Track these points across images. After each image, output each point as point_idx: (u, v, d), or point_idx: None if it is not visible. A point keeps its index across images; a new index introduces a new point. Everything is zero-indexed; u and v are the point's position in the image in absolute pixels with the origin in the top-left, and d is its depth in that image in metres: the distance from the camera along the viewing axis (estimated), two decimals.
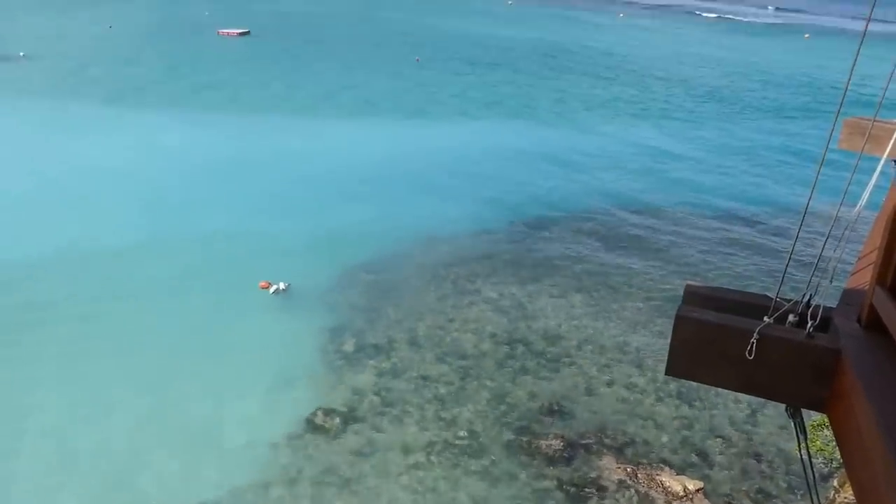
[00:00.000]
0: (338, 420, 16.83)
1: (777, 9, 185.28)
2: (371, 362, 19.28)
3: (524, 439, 16.57)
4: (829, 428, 3.58)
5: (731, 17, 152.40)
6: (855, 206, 4.38)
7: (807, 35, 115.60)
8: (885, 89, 4.51)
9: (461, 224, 29.00)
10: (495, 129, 44.25)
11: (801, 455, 4.00)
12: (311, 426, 16.64)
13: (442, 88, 56.07)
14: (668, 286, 24.44)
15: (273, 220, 28.06)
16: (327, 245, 26.18)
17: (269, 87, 52.88)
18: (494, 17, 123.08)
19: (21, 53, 59.07)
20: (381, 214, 29.46)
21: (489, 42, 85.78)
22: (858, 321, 3.65)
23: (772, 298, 3.77)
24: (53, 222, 26.68)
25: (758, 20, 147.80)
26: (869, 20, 4.99)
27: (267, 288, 22.31)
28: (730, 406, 18.24)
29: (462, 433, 16.65)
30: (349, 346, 19.96)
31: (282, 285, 22.36)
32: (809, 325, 3.50)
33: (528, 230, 29.01)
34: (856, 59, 4.49)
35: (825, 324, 3.66)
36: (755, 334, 3.47)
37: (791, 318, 3.69)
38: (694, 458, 16.40)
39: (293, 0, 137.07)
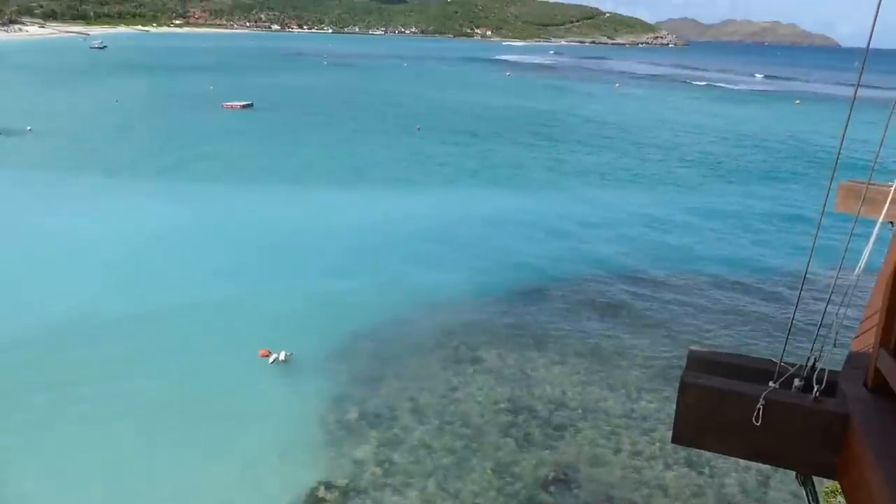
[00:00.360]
0: (339, 494, 16.39)
1: (766, 76, 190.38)
2: (373, 432, 18.92)
3: None
4: (842, 495, 3.49)
5: (721, 84, 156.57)
6: (854, 268, 4.40)
7: (797, 101, 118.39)
8: (878, 153, 4.60)
9: (461, 291, 29.00)
10: (492, 197, 44.81)
11: None
12: (313, 500, 16.18)
13: (441, 157, 57.10)
14: (670, 351, 24.22)
15: (274, 288, 28.08)
16: (328, 313, 26.11)
17: (272, 157, 53.89)
18: (493, 88, 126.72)
19: (28, 128, 60.50)
20: (382, 282, 29.49)
21: (488, 112, 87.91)
22: (865, 385, 3.61)
23: (776, 363, 3.73)
24: (52, 291, 26.69)
25: (749, 87, 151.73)
26: (858, 86, 5.14)
27: (267, 357, 22.11)
28: (740, 473, 17.77)
29: None
30: (350, 416, 19.63)
31: (282, 354, 22.17)
32: (816, 389, 3.46)
33: (527, 297, 28.96)
34: (847, 124, 4.60)
35: (831, 388, 3.61)
36: (761, 400, 3.42)
37: (797, 382, 3.65)
38: None
39: (296, 74, 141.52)
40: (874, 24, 4.42)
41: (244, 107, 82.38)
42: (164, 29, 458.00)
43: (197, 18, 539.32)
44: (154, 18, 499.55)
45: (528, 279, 30.73)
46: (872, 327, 4.14)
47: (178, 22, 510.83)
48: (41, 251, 31.05)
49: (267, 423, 19.09)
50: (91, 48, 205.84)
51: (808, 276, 5.01)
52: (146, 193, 41.61)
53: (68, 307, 25.29)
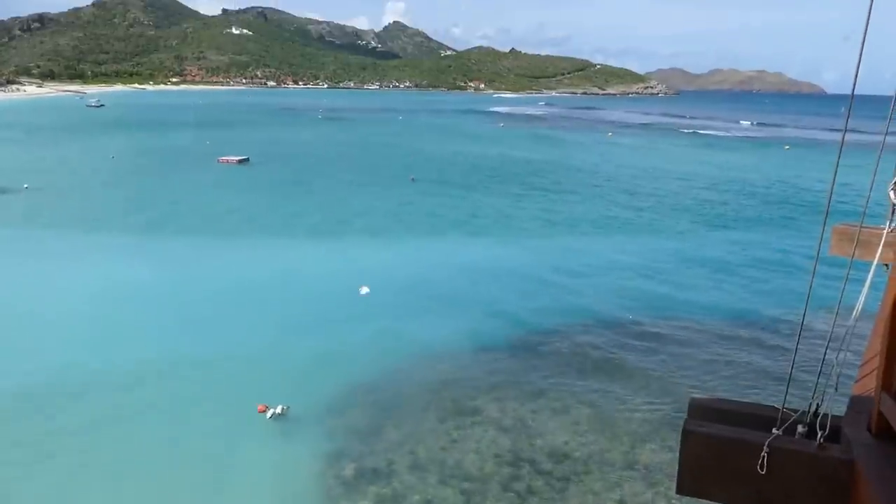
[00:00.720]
0: None
1: (755, 123, 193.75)
2: (371, 488, 18.51)
3: None
4: None
5: (712, 132, 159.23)
6: (851, 311, 4.40)
7: (787, 146, 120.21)
8: (868, 197, 4.66)
9: (456, 342, 28.80)
10: (486, 247, 44.95)
11: None
12: None
13: (435, 207, 57.48)
14: (670, 400, 23.94)
15: (268, 342, 27.85)
16: (324, 365, 25.85)
17: (267, 211, 54.21)
18: (487, 139, 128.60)
19: (25, 185, 60.85)
20: (377, 333, 29.30)
21: (482, 162, 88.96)
22: (868, 429, 3.56)
23: (778, 409, 3.70)
24: (48, 347, 26.41)
25: (738, 134, 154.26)
26: (845, 131, 5.23)
27: (264, 412, 21.78)
28: None
29: None
30: (348, 472, 19.23)
31: (279, 408, 21.84)
32: (820, 435, 3.42)
33: (524, 347, 28.78)
34: (836, 169, 4.66)
35: (835, 433, 3.57)
36: (766, 447, 3.38)
37: (800, 428, 3.61)
38: None
39: (292, 128, 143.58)
40: (857, 71, 4.53)
41: (240, 161, 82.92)
42: (161, 87, 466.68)
43: (194, 76, 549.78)
44: (151, 77, 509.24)
45: (524, 329, 30.57)
46: (873, 371, 4.12)
47: (174, 80, 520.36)
48: (37, 307, 30.88)
49: (265, 478, 18.69)
50: (87, 106, 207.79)
51: (805, 320, 5.00)
52: (141, 249, 41.66)
53: (63, 363, 25.00)
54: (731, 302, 34.97)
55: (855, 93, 4.86)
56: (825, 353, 4.01)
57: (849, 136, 5.21)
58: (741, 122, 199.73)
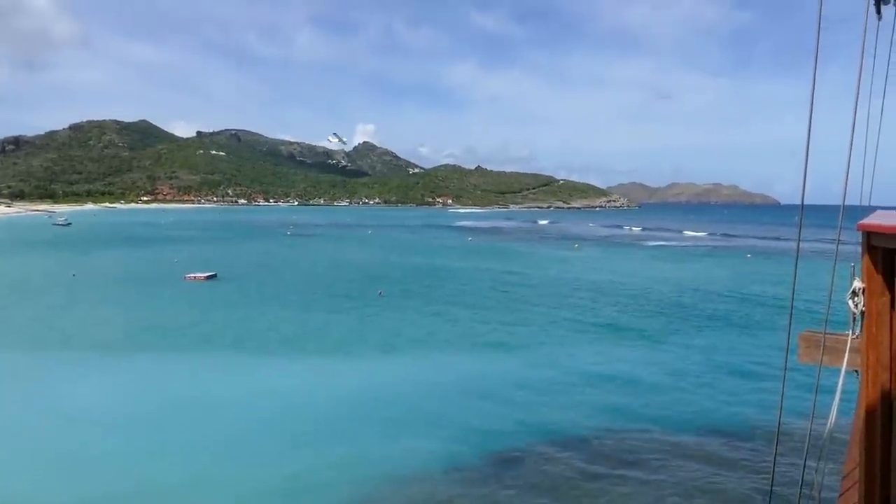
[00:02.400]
0: None
1: (714, 233, 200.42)
2: None
3: None
4: None
5: (674, 242, 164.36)
6: (826, 418, 4.33)
7: (749, 255, 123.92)
8: (829, 305, 4.73)
9: (429, 463, 27.70)
10: (455, 362, 44.37)
11: None
12: None
13: (404, 322, 57.15)
14: None
15: (229, 467, 26.48)
16: (292, 491, 24.54)
17: (233, 328, 53.21)
18: (456, 252, 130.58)
19: None
20: (347, 456, 28.10)
21: (451, 276, 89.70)
22: None
23: None
24: None
25: (700, 244, 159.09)
26: (799, 241, 5.39)
27: None
28: None
29: None
30: None
31: None
32: None
33: (495, 466, 27.77)
34: (794, 278, 4.75)
35: None
36: None
37: None
38: None
39: (261, 244, 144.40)
40: (804, 184, 4.74)
41: (208, 278, 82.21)
42: (132, 205, 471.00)
43: (165, 195, 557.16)
44: (123, 196, 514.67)
45: (493, 448, 29.52)
46: (854, 483, 3.99)
47: (145, 198, 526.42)
48: None
49: None
50: (54, 224, 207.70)
51: (782, 430, 4.91)
52: (99, 369, 40.25)
53: (9, 494, 23.32)
54: (703, 413, 34.54)
55: (806, 203, 5.07)
56: (804, 466, 3.90)
57: (805, 245, 5.34)
58: (702, 232, 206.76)
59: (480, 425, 32.21)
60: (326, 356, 45.20)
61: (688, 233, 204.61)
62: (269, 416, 32.65)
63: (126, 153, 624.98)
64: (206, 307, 62.84)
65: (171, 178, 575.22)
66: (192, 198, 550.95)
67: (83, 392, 35.54)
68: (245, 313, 59.75)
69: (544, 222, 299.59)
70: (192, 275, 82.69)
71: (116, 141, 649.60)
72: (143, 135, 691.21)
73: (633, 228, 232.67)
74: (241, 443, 29.16)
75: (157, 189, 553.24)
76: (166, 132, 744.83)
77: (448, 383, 39.22)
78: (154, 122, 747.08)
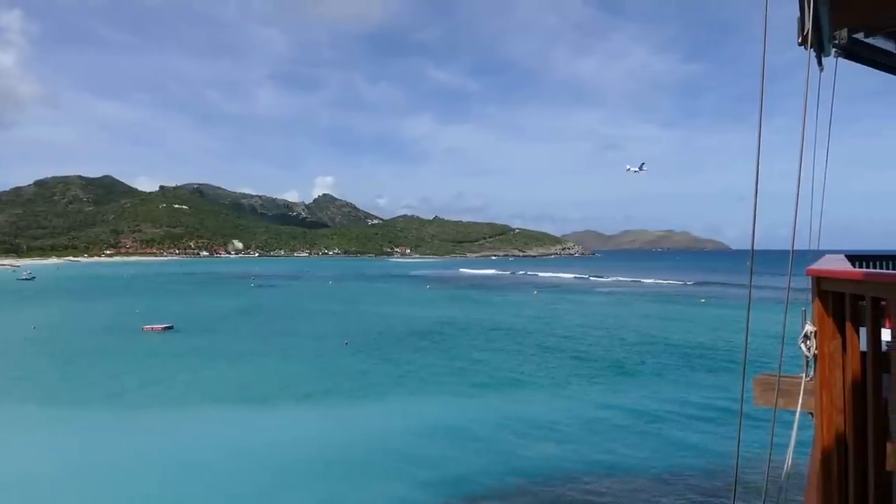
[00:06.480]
0: None
1: (673, 280, 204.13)
2: None
3: None
4: None
5: (629, 289, 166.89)
6: (783, 458, 4.43)
7: (703, 300, 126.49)
8: (782, 349, 4.89)
9: None
10: (419, 410, 43.89)
11: None
12: None
13: (369, 370, 56.53)
14: None
15: None
16: None
17: (189, 379, 51.84)
18: (416, 301, 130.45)
19: None
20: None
21: (412, 324, 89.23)
22: None
23: None
24: None
25: (656, 290, 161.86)
26: (751, 287, 5.57)
27: None
28: None
29: None
30: None
31: None
32: None
33: None
34: (748, 323, 4.91)
35: None
36: None
37: None
38: None
39: (221, 296, 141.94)
40: (753, 233, 4.95)
41: (165, 329, 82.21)
42: (95, 259, 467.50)
43: (128, 248, 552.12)
44: (86, 250, 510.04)
45: (462, 492, 29.19)
46: None
47: (108, 252, 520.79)
48: None
49: None
50: (18, 279, 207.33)
51: (740, 473, 4.98)
52: (54, 423, 38.70)
53: None
54: (662, 457, 34.58)
55: (756, 248, 5.28)
56: None
57: (757, 291, 5.53)
58: (656, 279, 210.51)
59: (446, 469, 31.79)
60: (289, 405, 44.36)
61: (643, 280, 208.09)
62: (227, 466, 31.55)
63: (90, 208, 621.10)
64: (163, 358, 61.62)
65: (134, 232, 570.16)
66: (155, 251, 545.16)
67: (27, 450, 33.88)
68: (201, 364, 58.43)
69: (503, 270, 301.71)
70: (150, 326, 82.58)
71: (81, 196, 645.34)
72: (108, 190, 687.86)
73: (590, 276, 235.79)
74: (197, 494, 28.06)
75: (120, 243, 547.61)
76: (130, 187, 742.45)
77: (412, 428, 38.73)
78: (118, 178, 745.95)
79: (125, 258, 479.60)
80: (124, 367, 56.88)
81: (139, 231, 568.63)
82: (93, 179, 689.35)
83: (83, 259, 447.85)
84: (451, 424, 40.11)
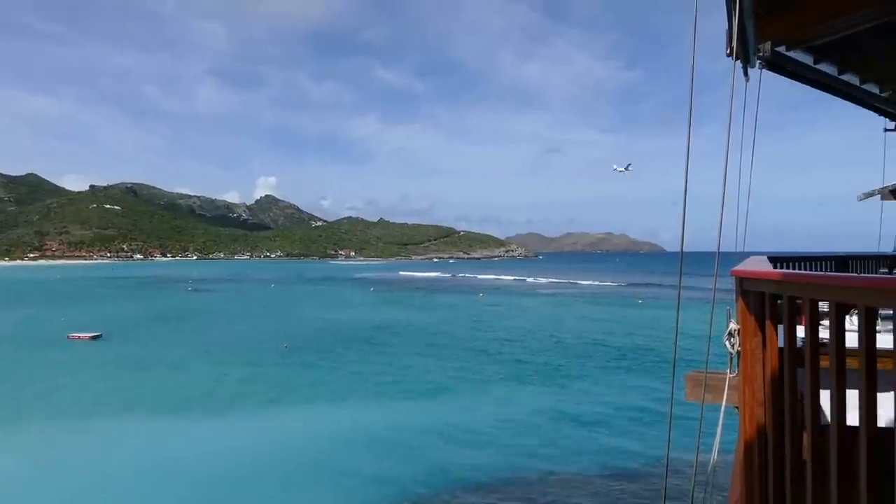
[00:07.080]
0: None
1: (612, 281, 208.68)
2: None
3: None
4: None
5: (570, 290, 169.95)
6: (710, 452, 4.67)
7: (640, 300, 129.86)
8: (709, 347, 5.15)
9: None
10: (364, 414, 43.57)
11: None
12: None
13: (309, 374, 55.79)
14: None
15: None
16: None
17: (117, 390, 49.84)
18: (360, 304, 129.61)
19: None
20: None
21: (355, 326, 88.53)
22: None
23: None
24: None
25: (597, 291, 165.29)
26: (680, 288, 5.84)
27: None
28: None
29: None
30: None
31: None
32: None
33: None
34: (677, 323, 5.14)
35: None
36: None
37: None
38: None
39: (155, 301, 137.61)
40: (682, 237, 5.20)
41: (92, 338, 77.77)
42: (17, 262, 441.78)
43: (54, 251, 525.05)
44: (7, 253, 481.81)
45: (399, 497, 29.18)
46: None
47: (32, 255, 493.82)
48: None
49: None
50: None
51: (671, 464, 5.21)
52: None
53: None
54: (600, 452, 35.33)
55: (687, 250, 5.53)
56: (692, 499, 4.17)
57: (687, 292, 5.78)
58: (596, 280, 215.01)
59: (376, 477, 31.55)
60: (226, 412, 43.19)
61: (583, 281, 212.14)
62: (150, 481, 30.50)
63: (12, 208, 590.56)
64: (90, 368, 58.94)
65: (61, 234, 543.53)
66: (84, 254, 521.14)
67: None
68: (130, 374, 56.31)
69: (447, 273, 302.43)
70: (76, 335, 78.07)
71: (2, 195, 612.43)
72: (32, 188, 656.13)
73: (534, 278, 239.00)
74: None
75: (45, 245, 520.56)
76: (57, 186, 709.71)
77: (344, 436, 38.29)
78: (43, 176, 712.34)
79: (51, 262, 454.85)
80: (46, 380, 53.89)
81: (66, 233, 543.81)
82: (15, 177, 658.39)
83: (3, 262, 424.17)
84: (384, 431, 39.84)
